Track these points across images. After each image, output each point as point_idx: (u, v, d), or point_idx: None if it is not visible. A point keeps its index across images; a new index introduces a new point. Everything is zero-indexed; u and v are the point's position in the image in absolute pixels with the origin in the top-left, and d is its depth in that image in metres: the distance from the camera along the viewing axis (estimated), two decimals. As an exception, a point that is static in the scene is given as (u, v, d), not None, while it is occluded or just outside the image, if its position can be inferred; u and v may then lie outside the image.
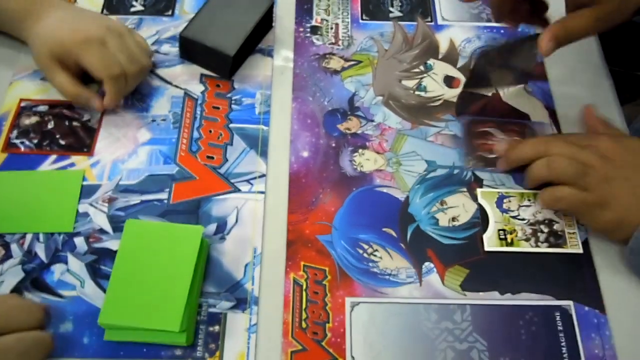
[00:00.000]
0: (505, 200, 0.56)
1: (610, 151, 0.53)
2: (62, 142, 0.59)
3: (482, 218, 0.55)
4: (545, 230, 0.55)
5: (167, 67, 0.65)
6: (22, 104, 0.61)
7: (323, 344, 0.49)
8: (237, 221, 0.55)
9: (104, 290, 0.50)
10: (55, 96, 0.62)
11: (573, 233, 0.55)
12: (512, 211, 0.56)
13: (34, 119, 0.60)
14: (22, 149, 0.58)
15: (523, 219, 0.55)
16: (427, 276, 0.53)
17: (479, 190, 0.57)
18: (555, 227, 0.55)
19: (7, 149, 0.58)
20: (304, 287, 0.52)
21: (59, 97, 0.62)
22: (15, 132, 0.59)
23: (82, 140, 0.59)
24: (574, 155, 0.53)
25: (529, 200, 0.56)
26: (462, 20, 0.70)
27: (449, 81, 0.65)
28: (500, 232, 0.54)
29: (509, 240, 0.54)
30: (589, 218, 0.53)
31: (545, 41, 0.54)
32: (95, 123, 0.60)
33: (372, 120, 0.62)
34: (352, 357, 0.49)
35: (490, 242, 0.54)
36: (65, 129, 0.60)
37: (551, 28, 0.55)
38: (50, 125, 0.60)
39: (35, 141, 0.59)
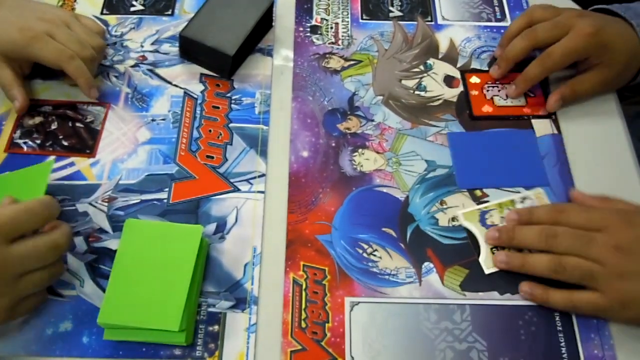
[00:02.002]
0: (487, 216, 0.55)
1: (626, 240, 0.47)
2: (65, 143, 0.59)
3: (471, 241, 0.54)
4: None
5: (167, 67, 0.65)
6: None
7: (322, 343, 0.49)
8: (236, 221, 0.55)
9: (104, 290, 0.50)
10: (59, 97, 0.62)
11: None
12: (497, 225, 0.54)
13: (37, 119, 0.61)
14: (25, 149, 0.59)
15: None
16: (427, 276, 0.53)
17: (460, 213, 0.55)
18: None
19: (10, 149, 0.58)
20: (304, 286, 0.52)
21: (63, 98, 0.62)
22: (18, 132, 0.60)
23: (84, 142, 0.59)
24: (583, 250, 0.48)
25: (509, 208, 0.55)
26: (462, 20, 0.70)
27: (449, 81, 0.65)
28: (493, 249, 0.53)
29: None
30: (609, 317, 0.49)
31: (554, 100, 0.60)
32: (99, 125, 0.61)
33: (372, 120, 0.62)
34: (352, 357, 0.49)
35: (488, 263, 0.53)
36: (68, 130, 0.60)
37: (560, 89, 0.60)
38: (54, 126, 0.60)
39: (39, 142, 0.59)
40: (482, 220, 0.55)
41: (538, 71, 0.60)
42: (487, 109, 0.62)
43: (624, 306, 0.48)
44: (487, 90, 0.63)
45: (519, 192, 0.57)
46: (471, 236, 0.54)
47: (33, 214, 0.46)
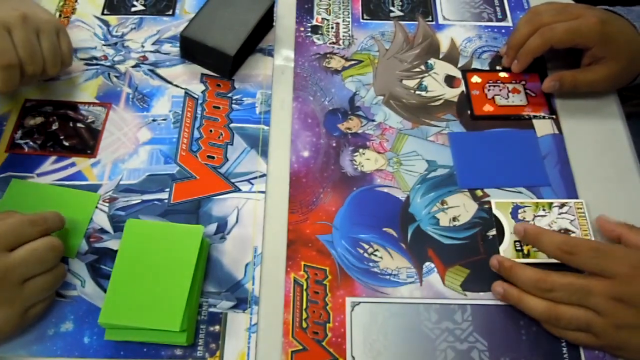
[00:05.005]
0: (520, 211, 0.55)
1: (631, 292, 0.45)
2: (66, 144, 0.59)
3: (497, 229, 0.54)
4: None
5: (168, 67, 0.65)
6: (27, 104, 0.62)
7: (323, 343, 0.49)
8: (237, 221, 0.55)
9: (105, 290, 0.50)
10: (60, 97, 0.62)
11: None
12: (528, 222, 0.55)
13: (38, 120, 0.61)
14: (26, 149, 0.59)
15: None
16: (428, 276, 0.53)
17: (493, 201, 0.56)
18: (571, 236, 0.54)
19: (10, 149, 0.58)
20: (305, 286, 0.52)
21: (64, 98, 0.62)
22: (19, 133, 0.60)
23: (85, 142, 0.59)
24: (580, 302, 0.46)
25: (544, 210, 0.55)
26: (463, 20, 0.70)
27: (450, 81, 0.65)
28: (517, 243, 0.53)
29: (525, 251, 0.53)
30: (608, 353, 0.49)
31: (551, 79, 0.60)
32: (100, 125, 0.60)
33: (373, 120, 0.62)
34: (353, 357, 0.49)
35: (507, 254, 0.53)
36: (69, 130, 0.60)
37: (561, 72, 0.60)
38: (55, 126, 0.60)
39: (39, 142, 0.59)
40: (514, 213, 0.55)
41: (538, 42, 0.59)
42: (488, 108, 0.62)
43: (616, 349, 0.48)
44: (489, 90, 0.63)
45: (520, 193, 0.57)
46: (498, 225, 0.54)
47: (33, 224, 0.47)
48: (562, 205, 0.55)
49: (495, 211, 0.55)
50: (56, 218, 0.50)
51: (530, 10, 0.62)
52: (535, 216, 0.55)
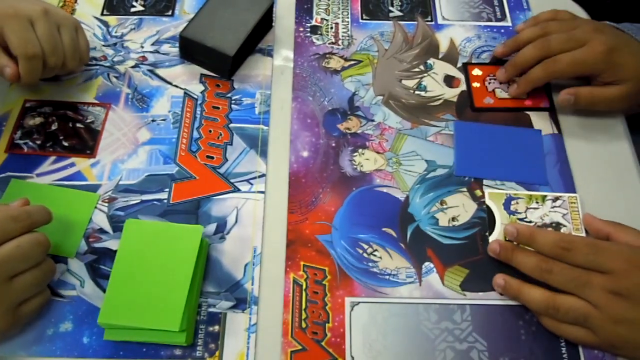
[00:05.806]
0: (512, 202, 0.55)
1: (628, 286, 0.46)
2: (65, 144, 0.59)
3: (488, 219, 0.55)
4: None
5: (167, 67, 0.65)
6: (27, 105, 0.62)
7: (323, 343, 0.49)
8: (236, 221, 0.55)
9: (104, 290, 0.50)
10: (60, 97, 0.62)
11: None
12: (520, 213, 0.55)
13: (38, 120, 0.61)
14: (26, 149, 0.59)
15: (530, 222, 0.54)
16: (427, 276, 0.53)
17: (486, 191, 0.56)
18: (563, 230, 0.54)
19: (10, 150, 0.59)
20: (304, 287, 0.52)
21: (63, 98, 0.62)
22: (19, 133, 0.60)
23: (85, 142, 0.60)
24: (578, 291, 0.47)
25: (537, 202, 0.55)
26: (462, 20, 0.70)
27: (449, 81, 0.65)
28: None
29: (515, 242, 0.53)
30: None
31: (565, 92, 0.58)
32: (99, 125, 0.61)
33: (372, 120, 0.62)
34: (352, 357, 0.49)
35: None
36: (68, 131, 0.60)
37: (578, 88, 0.58)
38: (54, 127, 0.60)
39: (39, 142, 0.59)
40: (507, 205, 0.55)
41: (542, 75, 0.59)
42: (488, 100, 0.62)
43: (614, 347, 0.47)
44: (489, 83, 0.63)
45: (520, 194, 0.57)
46: (489, 215, 0.55)
47: (16, 220, 0.46)
48: (556, 199, 0.56)
49: (488, 202, 0.55)
50: (42, 211, 0.49)
51: (540, 26, 0.60)
52: (527, 208, 0.55)
